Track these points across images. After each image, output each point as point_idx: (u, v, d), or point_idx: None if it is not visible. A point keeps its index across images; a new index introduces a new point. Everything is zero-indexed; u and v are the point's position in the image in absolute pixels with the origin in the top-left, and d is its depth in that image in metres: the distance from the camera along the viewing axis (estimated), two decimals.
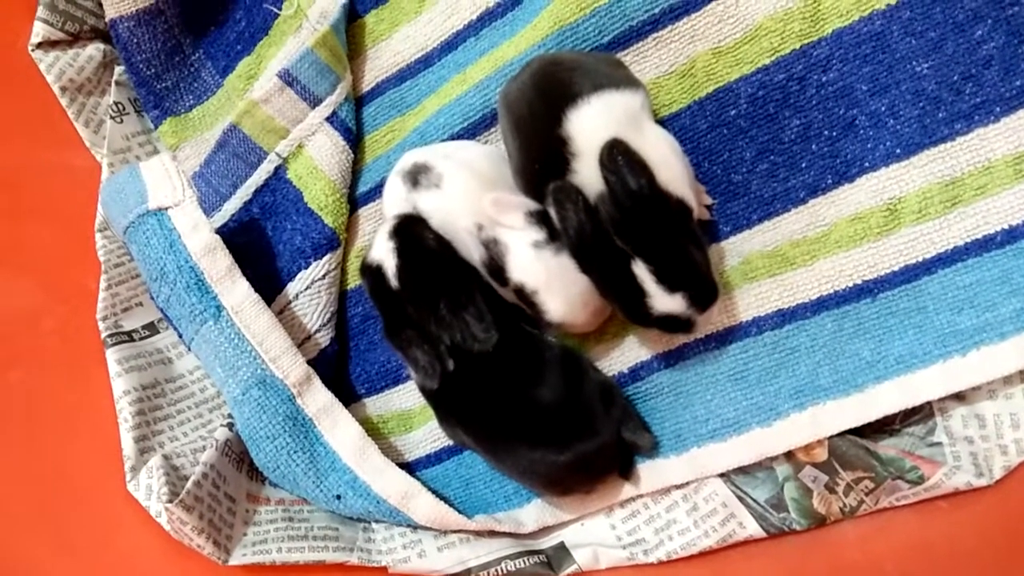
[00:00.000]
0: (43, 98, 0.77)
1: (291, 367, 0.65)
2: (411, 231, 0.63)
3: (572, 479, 0.61)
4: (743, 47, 0.63)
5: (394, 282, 0.63)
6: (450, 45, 0.75)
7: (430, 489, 0.64)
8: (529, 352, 0.62)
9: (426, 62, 0.76)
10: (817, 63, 0.61)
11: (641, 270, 0.55)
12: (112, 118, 0.79)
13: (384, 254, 0.63)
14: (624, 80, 0.60)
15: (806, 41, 0.61)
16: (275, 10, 0.79)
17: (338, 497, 0.64)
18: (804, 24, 0.61)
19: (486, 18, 0.73)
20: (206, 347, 0.66)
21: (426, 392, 0.65)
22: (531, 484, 0.64)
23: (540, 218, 0.59)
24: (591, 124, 0.56)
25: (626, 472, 0.64)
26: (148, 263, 0.67)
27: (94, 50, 0.80)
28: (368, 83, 0.79)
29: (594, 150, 0.55)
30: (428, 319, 0.61)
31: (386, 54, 0.78)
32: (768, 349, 0.61)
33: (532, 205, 0.60)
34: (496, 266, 0.60)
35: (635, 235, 0.54)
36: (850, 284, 0.59)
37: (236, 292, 0.66)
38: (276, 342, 0.65)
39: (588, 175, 0.56)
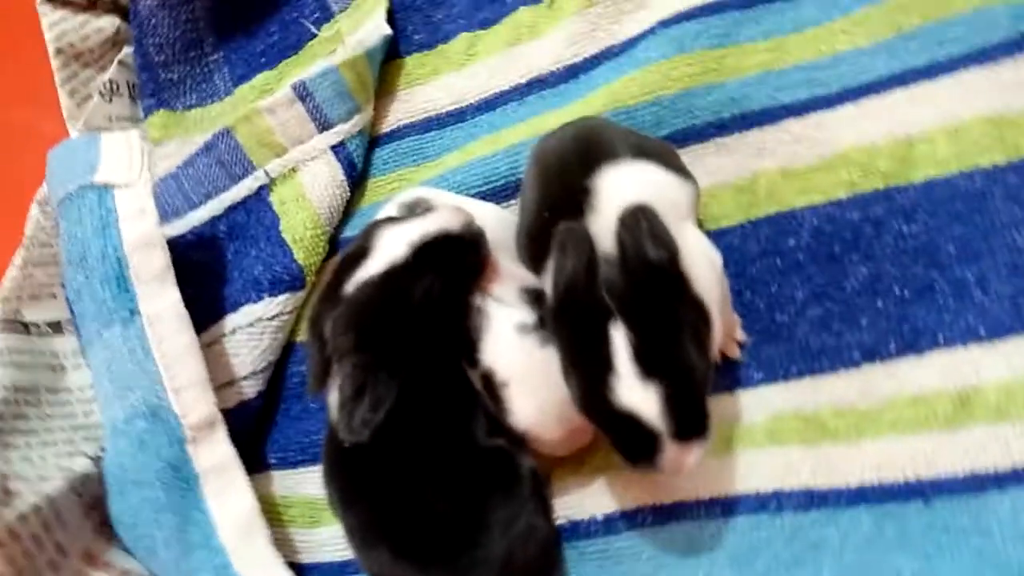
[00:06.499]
0: (34, 54, 0.74)
1: (195, 405, 0.56)
2: (434, 268, 0.52)
3: None
4: (817, 173, 0.57)
5: (349, 288, 0.51)
6: (489, 104, 0.70)
7: None
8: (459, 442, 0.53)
9: (459, 116, 0.71)
10: (900, 210, 0.55)
11: (619, 336, 0.44)
12: (101, 95, 0.76)
13: (384, 255, 0.51)
14: (677, 168, 0.53)
15: (891, 183, 0.55)
16: (313, 30, 0.75)
17: None
18: (892, 163, 0.55)
19: (535, 84, 0.68)
20: (103, 355, 0.58)
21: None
22: None
23: (534, 298, 0.52)
24: (623, 184, 0.48)
25: None
26: (72, 243, 0.60)
27: (107, 22, 0.78)
28: (390, 124, 0.74)
29: (615, 212, 0.47)
30: (347, 352, 0.50)
31: (419, 98, 0.73)
32: (786, 535, 0.51)
33: (530, 281, 0.52)
34: (469, 340, 0.52)
35: (630, 302, 0.44)
36: (900, 479, 0.50)
37: (161, 300, 0.58)
38: (187, 370, 0.56)
39: (598, 236, 0.47)
